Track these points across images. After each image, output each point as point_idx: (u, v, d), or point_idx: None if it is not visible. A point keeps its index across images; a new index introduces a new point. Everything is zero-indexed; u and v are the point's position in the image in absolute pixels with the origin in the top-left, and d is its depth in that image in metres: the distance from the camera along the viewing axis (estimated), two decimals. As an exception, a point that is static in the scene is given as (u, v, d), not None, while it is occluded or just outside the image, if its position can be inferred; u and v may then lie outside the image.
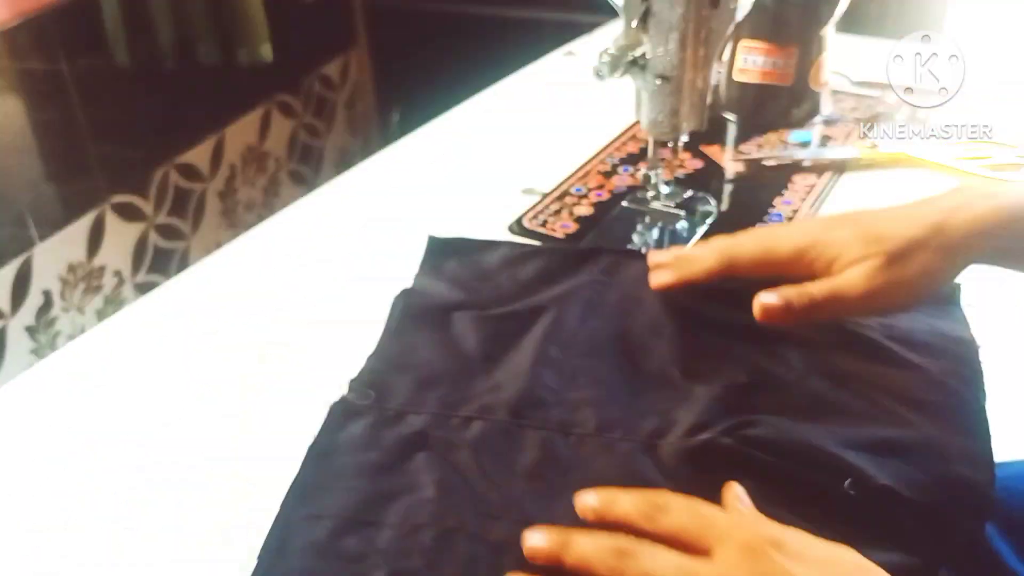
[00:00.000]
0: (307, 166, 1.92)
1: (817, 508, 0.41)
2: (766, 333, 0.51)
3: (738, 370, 0.50)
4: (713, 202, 0.71)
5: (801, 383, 0.49)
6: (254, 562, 0.41)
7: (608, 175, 0.77)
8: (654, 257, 0.56)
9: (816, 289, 0.48)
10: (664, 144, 0.67)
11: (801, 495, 0.42)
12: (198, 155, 1.57)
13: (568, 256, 0.60)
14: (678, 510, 0.39)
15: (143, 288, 1.48)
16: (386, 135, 2.06)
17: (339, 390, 0.49)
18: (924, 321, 0.54)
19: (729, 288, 0.52)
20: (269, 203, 1.80)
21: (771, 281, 0.50)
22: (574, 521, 0.40)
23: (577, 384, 0.49)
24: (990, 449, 0.45)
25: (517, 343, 0.52)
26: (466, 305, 0.55)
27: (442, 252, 0.60)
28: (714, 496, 0.41)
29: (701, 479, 0.42)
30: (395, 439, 0.46)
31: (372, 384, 0.49)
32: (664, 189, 0.69)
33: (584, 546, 0.38)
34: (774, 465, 0.43)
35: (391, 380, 0.50)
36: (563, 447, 0.46)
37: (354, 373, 0.51)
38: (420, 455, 0.45)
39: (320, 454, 0.45)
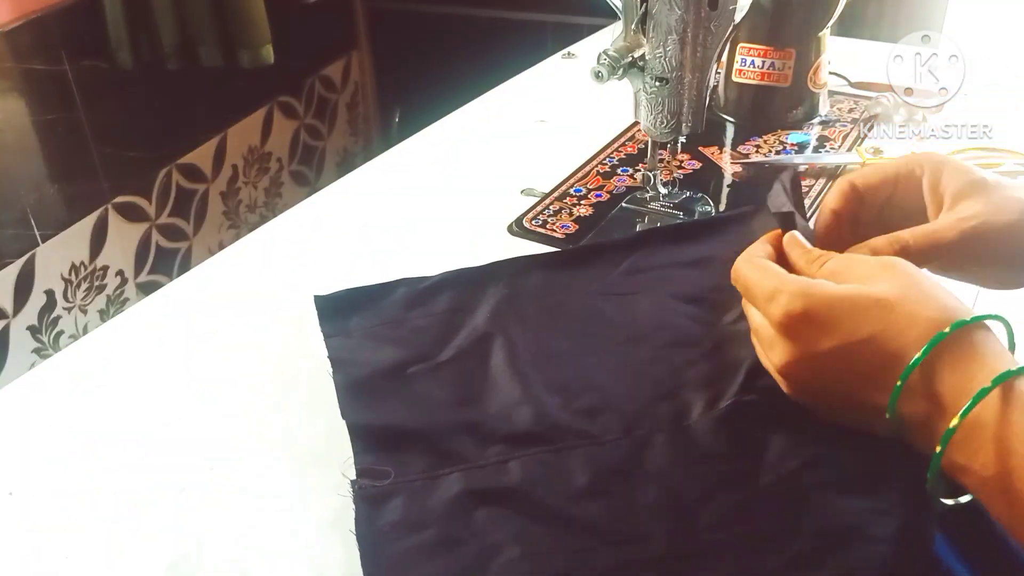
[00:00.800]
0: (309, 167, 1.92)
1: (856, 436, 0.42)
2: (669, 297, 0.55)
3: (683, 332, 0.52)
4: (711, 203, 0.71)
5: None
6: (254, 563, 0.41)
7: (607, 176, 0.77)
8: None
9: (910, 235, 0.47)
10: (663, 145, 0.67)
11: (835, 428, 0.43)
12: (200, 156, 1.58)
13: (466, 277, 0.59)
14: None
15: (145, 288, 1.48)
16: (387, 136, 2.06)
17: (342, 478, 0.45)
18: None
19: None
20: (271, 203, 1.81)
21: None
22: (658, 520, 0.41)
23: (574, 394, 0.49)
24: None
25: (485, 377, 0.51)
26: (409, 360, 0.52)
27: (338, 311, 0.57)
28: (758, 452, 0.44)
29: (741, 440, 0.45)
30: (443, 508, 0.42)
31: (379, 462, 0.45)
32: (663, 190, 0.69)
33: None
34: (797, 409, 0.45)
35: (395, 453, 0.46)
36: (605, 457, 0.45)
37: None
38: (479, 514, 0.42)
39: (374, 552, 0.41)
